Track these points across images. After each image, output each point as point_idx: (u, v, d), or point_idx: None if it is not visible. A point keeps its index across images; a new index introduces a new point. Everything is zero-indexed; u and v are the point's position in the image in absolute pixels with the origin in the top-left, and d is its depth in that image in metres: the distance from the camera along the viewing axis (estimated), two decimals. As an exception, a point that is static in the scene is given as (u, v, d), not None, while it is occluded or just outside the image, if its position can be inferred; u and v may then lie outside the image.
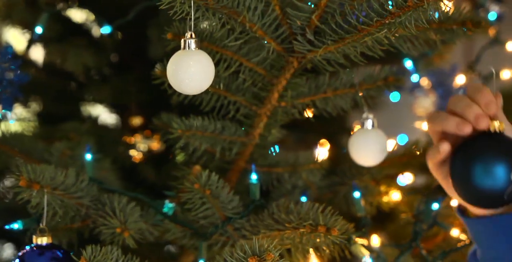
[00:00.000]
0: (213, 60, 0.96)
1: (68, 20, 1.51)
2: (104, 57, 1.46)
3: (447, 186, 0.97)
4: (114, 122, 1.56)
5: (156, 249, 1.29)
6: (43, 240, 0.95)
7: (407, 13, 0.81)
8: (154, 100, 1.41)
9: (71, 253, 0.95)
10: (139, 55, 1.45)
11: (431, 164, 0.96)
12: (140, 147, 1.47)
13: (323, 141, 1.32)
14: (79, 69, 1.43)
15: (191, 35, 0.86)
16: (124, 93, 1.49)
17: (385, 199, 1.23)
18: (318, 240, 0.97)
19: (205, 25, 0.95)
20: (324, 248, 0.99)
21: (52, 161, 1.15)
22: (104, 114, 1.56)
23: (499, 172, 0.88)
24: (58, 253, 0.94)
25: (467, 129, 0.90)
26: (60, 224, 1.02)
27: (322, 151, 1.28)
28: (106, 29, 1.26)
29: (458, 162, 0.92)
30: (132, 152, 1.46)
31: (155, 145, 1.47)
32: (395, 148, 1.27)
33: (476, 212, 0.97)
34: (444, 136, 0.94)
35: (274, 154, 1.15)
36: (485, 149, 0.90)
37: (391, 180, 1.28)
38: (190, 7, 0.83)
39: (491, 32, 1.56)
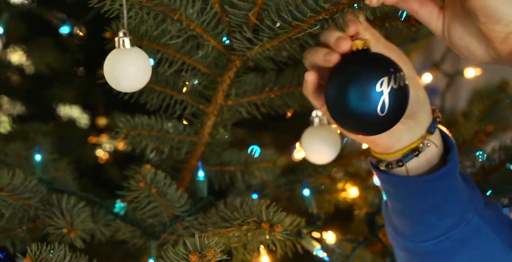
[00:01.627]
0: (154, 59, 0.96)
1: (35, 20, 1.51)
2: (70, 57, 1.46)
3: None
4: (81, 122, 1.56)
5: (118, 248, 1.29)
6: (-13, 241, 0.96)
7: (342, 10, 0.81)
8: (122, 100, 1.41)
9: (16, 253, 0.95)
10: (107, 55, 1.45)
11: (309, 98, 0.93)
12: (106, 147, 1.48)
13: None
14: (43, 70, 1.43)
15: (124, 33, 0.86)
16: (90, 93, 1.49)
17: (342, 195, 1.23)
18: (267, 236, 0.97)
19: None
20: (272, 245, 0.99)
21: (8, 161, 1.16)
22: (72, 114, 1.56)
23: (365, 90, 0.83)
24: (-1, 254, 0.94)
25: (333, 58, 0.87)
26: (9, 225, 1.02)
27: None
28: (65, 29, 1.27)
29: (328, 89, 0.86)
30: (98, 152, 1.47)
31: (121, 144, 1.48)
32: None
33: (383, 155, 0.95)
34: (319, 69, 0.91)
35: (254, 154, 1.16)
36: (346, 69, 0.85)
37: (351, 177, 1.28)
38: (121, 5, 0.83)
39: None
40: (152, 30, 0.91)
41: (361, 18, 0.88)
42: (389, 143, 0.93)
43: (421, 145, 0.93)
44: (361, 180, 1.30)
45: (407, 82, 0.85)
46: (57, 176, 1.17)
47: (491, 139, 1.17)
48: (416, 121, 0.93)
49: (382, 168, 0.95)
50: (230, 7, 0.91)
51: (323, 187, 1.22)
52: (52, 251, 0.91)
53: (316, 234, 1.09)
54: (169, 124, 1.06)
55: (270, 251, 1.04)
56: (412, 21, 0.98)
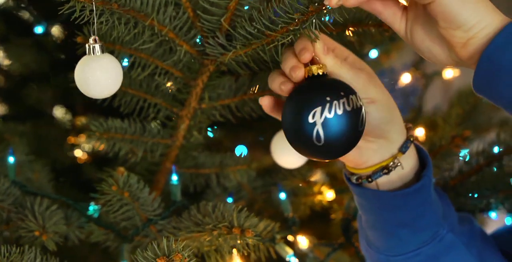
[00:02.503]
0: (127, 62, 0.96)
1: (13, 20, 1.50)
2: (48, 56, 1.46)
3: None
4: (60, 122, 1.55)
5: (95, 249, 1.29)
6: (-41, 243, 0.95)
7: (311, 18, 0.81)
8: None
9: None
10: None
11: (272, 116, 0.94)
12: (85, 147, 1.47)
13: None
14: (21, 70, 1.43)
15: (95, 40, 0.85)
16: (69, 93, 1.48)
17: (318, 198, 1.23)
18: (239, 241, 0.97)
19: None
20: (245, 249, 0.99)
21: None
22: (50, 114, 1.56)
23: (300, 121, 0.82)
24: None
25: (286, 88, 0.87)
26: (-18, 227, 1.02)
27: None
28: (39, 29, 1.27)
29: (282, 114, 0.86)
30: (77, 152, 1.46)
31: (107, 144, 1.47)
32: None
33: (355, 170, 0.95)
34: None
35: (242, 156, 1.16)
36: (292, 98, 0.85)
37: (330, 179, 1.28)
38: (92, 11, 0.83)
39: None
40: (124, 35, 0.91)
41: (318, 43, 0.86)
42: (358, 160, 0.93)
43: (391, 163, 0.92)
44: (338, 182, 1.30)
45: (357, 106, 0.84)
46: (33, 178, 1.17)
47: (467, 143, 1.17)
48: (387, 141, 0.92)
49: (354, 181, 0.95)
50: (202, 12, 0.91)
51: (298, 190, 1.22)
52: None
53: (290, 238, 1.09)
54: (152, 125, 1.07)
55: (243, 255, 1.04)
56: (385, 26, 0.98)
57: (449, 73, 1.57)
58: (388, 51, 1.52)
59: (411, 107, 1.62)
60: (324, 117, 0.82)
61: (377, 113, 0.89)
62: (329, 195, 1.25)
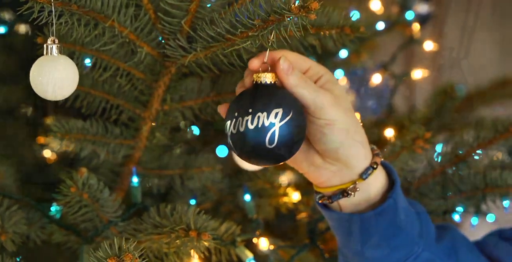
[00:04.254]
0: (89, 63, 0.96)
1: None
2: (15, 56, 1.45)
3: None
4: (28, 122, 1.54)
5: (63, 250, 1.29)
6: None
7: (270, 27, 0.82)
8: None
9: None
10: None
11: None
12: (53, 147, 1.46)
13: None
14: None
15: (53, 40, 0.85)
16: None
17: (283, 200, 1.23)
18: (195, 243, 0.97)
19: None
20: (205, 252, 0.99)
21: None
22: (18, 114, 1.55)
23: (224, 126, 0.86)
24: None
25: (237, 91, 0.90)
26: None
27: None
28: (1, 29, 1.26)
29: None
30: (46, 152, 1.45)
31: (69, 144, 1.46)
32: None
33: (317, 188, 0.96)
34: None
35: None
36: (233, 101, 0.87)
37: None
38: (50, 12, 0.83)
39: (413, 31, 1.59)
40: (84, 36, 0.91)
41: (274, 53, 0.86)
42: (317, 179, 0.93)
43: (350, 187, 0.92)
44: (305, 184, 1.30)
45: (263, 124, 0.83)
46: (-3, 178, 1.17)
47: (429, 145, 1.17)
48: (346, 166, 0.91)
49: (317, 199, 0.95)
50: (164, 14, 0.91)
51: (264, 191, 1.23)
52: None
53: (255, 241, 1.10)
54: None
55: (203, 258, 1.04)
56: (347, 30, 0.99)
57: (417, 74, 1.58)
58: (358, 51, 1.53)
59: (383, 108, 1.63)
60: (230, 132, 0.85)
61: (334, 136, 0.88)
62: (295, 196, 1.25)
